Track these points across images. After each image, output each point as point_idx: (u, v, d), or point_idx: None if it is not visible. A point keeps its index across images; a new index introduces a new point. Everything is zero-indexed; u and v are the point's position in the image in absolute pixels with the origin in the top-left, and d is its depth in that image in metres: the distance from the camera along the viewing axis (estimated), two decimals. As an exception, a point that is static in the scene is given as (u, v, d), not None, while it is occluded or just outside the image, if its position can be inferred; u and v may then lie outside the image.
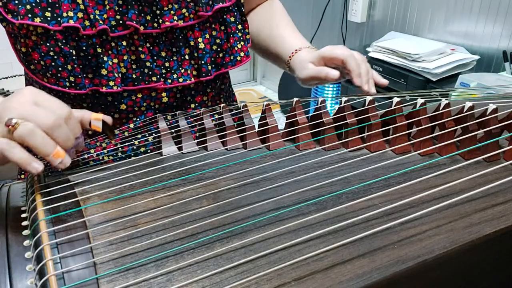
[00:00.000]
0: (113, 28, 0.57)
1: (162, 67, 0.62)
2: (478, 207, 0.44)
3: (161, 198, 0.44)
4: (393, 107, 0.56)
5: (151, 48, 0.61)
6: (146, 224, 0.40)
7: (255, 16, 0.82)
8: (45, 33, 0.55)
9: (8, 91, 1.73)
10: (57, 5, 0.54)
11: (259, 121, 0.58)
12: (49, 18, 0.54)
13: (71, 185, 0.46)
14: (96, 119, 0.49)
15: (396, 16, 1.87)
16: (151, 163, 0.51)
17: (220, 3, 0.63)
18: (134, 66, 0.60)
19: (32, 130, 0.41)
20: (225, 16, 0.65)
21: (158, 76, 0.62)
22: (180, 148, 0.55)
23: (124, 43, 0.58)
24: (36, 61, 0.57)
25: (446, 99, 0.57)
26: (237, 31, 0.67)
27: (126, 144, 0.65)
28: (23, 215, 0.42)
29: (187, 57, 0.63)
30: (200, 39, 0.63)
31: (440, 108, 0.55)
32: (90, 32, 0.56)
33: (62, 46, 0.55)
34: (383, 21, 1.94)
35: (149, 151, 0.64)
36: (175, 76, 0.63)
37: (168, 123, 0.57)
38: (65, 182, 0.46)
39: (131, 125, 0.64)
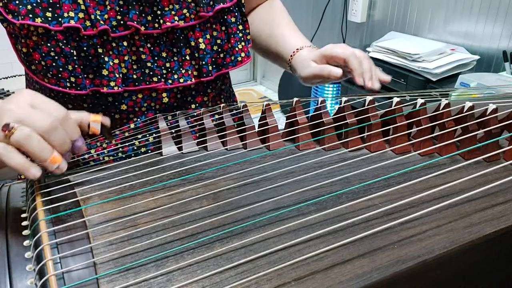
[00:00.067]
0: (114, 29, 0.57)
1: (163, 68, 0.62)
2: (478, 207, 0.44)
3: (161, 198, 0.44)
4: (393, 107, 0.56)
5: (152, 48, 0.61)
6: (146, 224, 0.40)
7: (256, 16, 0.82)
8: (46, 33, 0.55)
9: (8, 91, 1.73)
10: (58, 6, 0.55)
11: (259, 121, 0.58)
12: (50, 19, 0.54)
13: (71, 185, 0.46)
14: (95, 120, 0.48)
15: (396, 16, 1.87)
16: (151, 163, 0.51)
17: (221, 4, 0.63)
18: (134, 67, 0.60)
19: (28, 135, 0.40)
20: (225, 17, 0.65)
21: (159, 77, 0.62)
22: (180, 148, 0.55)
23: (125, 43, 0.58)
24: (37, 62, 0.57)
25: (446, 99, 0.57)
26: (238, 32, 0.67)
27: (127, 144, 0.65)
28: (23, 215, 0.42)
29: (187, 57, 0.63)
30: (200, 40, 0.63)
31: (440, 108, 0.55)
32: (91, 33, 0.56)
33: (63, 47, 0.55)
34: (383, 21, 1.94)
35: (149, 151, 0.64)
36: (175, 76, 0.63)
37: (168, 123, 0.57)
38: (65, 182, 0.46)
39: (132, 125, 0.64)
